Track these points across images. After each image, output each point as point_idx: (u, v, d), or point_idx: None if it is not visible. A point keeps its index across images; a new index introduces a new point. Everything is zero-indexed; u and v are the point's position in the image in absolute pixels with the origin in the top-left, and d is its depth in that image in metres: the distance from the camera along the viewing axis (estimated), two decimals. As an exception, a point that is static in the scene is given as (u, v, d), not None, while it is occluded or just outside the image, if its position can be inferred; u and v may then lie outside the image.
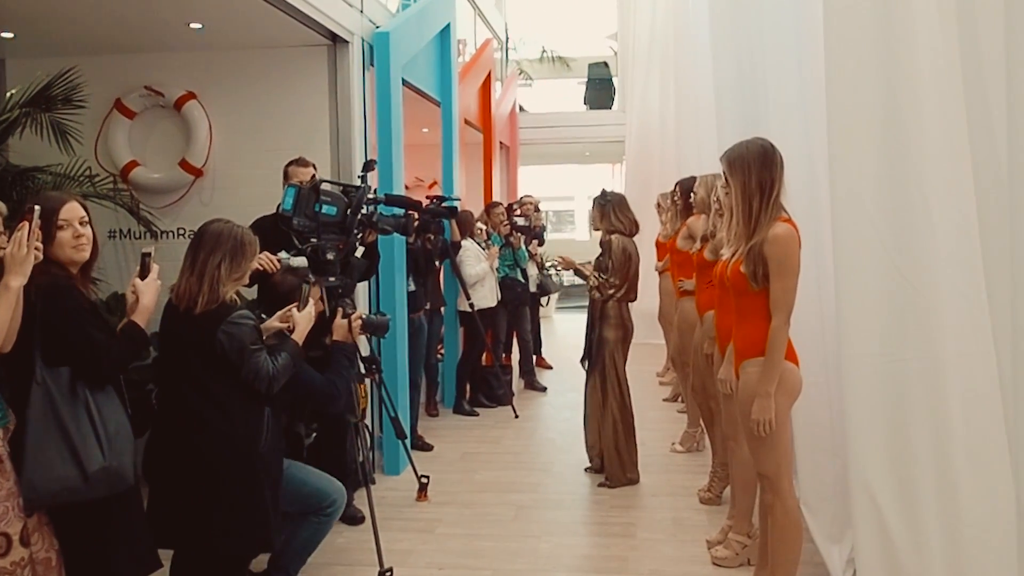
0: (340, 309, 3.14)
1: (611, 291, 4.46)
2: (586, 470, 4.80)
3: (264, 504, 2.61)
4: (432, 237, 5.65)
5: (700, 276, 4.24)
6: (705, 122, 5.87)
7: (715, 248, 3.93)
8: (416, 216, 4.72)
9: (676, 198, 5.36)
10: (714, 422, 4.29)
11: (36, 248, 2.05)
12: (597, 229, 4.63)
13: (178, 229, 4.80)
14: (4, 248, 2.06)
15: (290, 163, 3.99)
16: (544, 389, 7.13)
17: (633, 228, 4.61)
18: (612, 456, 4.53)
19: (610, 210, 4.53)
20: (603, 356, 4.49)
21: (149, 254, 2.44)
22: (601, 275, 4.49)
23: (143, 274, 2.42)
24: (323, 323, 3.17)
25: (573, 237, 19.76)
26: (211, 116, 4.80)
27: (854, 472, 2.60)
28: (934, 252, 2.47)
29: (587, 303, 4.73)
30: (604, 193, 4.63)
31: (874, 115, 2.55)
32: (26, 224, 2.03)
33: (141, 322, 2.38)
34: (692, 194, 4.38)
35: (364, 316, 3.26)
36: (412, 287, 5.45)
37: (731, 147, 2.85)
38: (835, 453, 3.21)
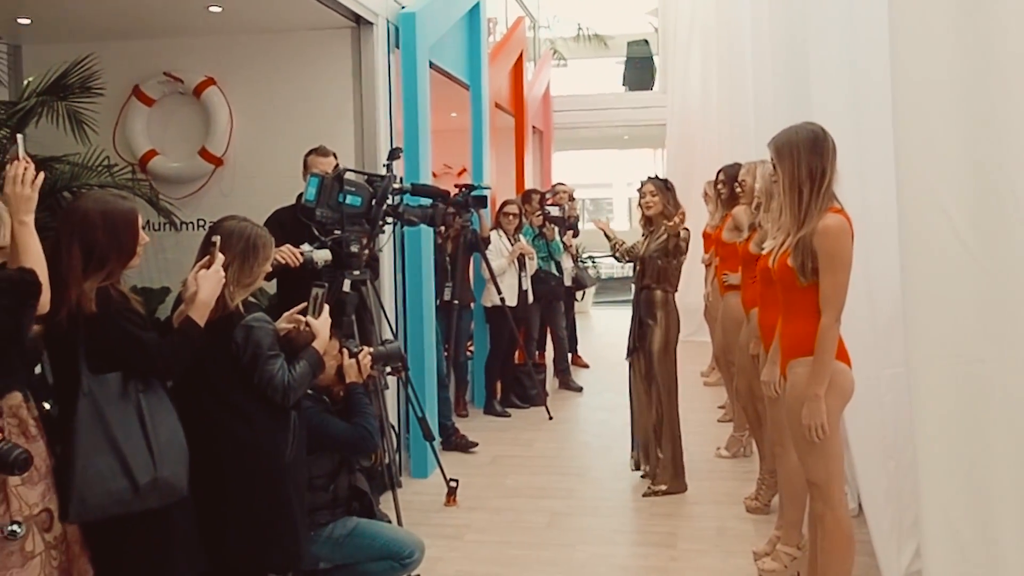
0: (345, 350, 3.16)
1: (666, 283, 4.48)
2: (644, 476, 4.74)
3: (293, 517, 2.64)
4: (444, 229, 5.67)
5: (746, 270, 4.22)
6: (751, 106, 5.83)
7: (760, 240, 3.91)
8: (449, 207, 4.76)
9: (720, 186, 5.34)
10: (761, 426, 4.27)
11: (34, 181, 2.09)
12: (659, 216, 4.52)
13: (198, 220, 4.89)
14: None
15: (310, 152, 4.04)
16: (580, 389, 7.14)
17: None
18: (673, 460, 4.53)
19: (674, 195, 4.53)
20: (655, 351, 4.49)
21: (215, 243, 2.43)
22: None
23: (208, 264, 2.39)
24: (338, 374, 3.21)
25: (611, 226, 19.68)
26: (231, 102, 4.88)
27: (924, 484, 2.53)
28: (1020, 241, 2.36)
29: (630, 297, 4.74)
30: (659, 177, 4.63)
31: (949, 93, 2.43)
32: (18, 162, 2.09)
33: (199, 318, 2.35)
34: (739, 183, 4.34)
35: (373, 350, 3.28)
36: None
37: (779, 132, 2.83)
38: (889, 455, 3.19)
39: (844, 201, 2.81)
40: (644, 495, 4.52)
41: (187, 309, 2.37)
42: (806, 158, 2.73)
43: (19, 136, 2.18)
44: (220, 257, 2.42)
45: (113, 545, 2.26)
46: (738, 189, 4.40)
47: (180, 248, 4.74)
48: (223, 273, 2.42)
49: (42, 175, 2.12)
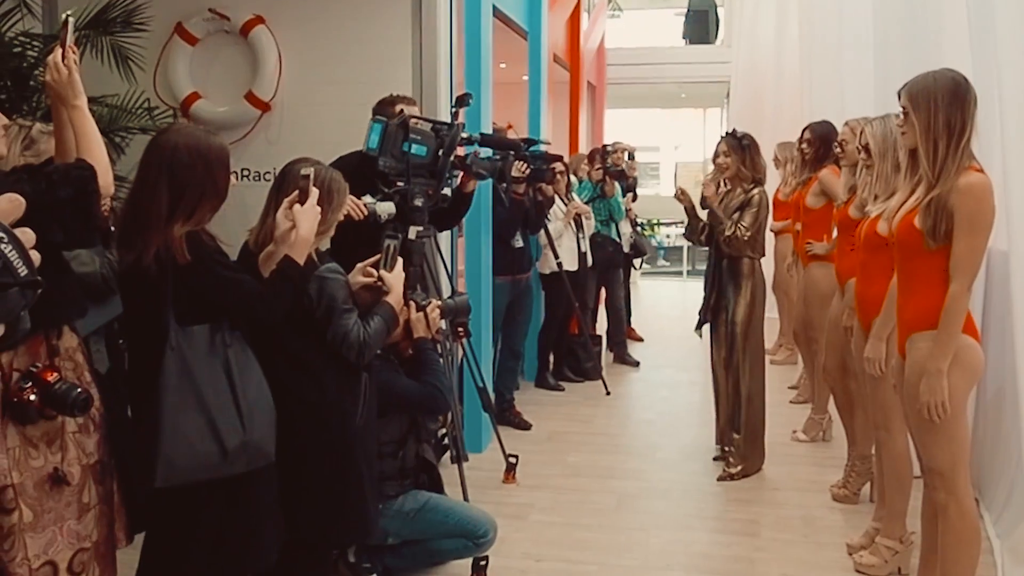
0: (412, 303, 3.08)
1: (749, 250, 4.33)
2: (715, 459, 4.67)
3: (362, 487, 2.60)
4: (544, 187, 5.57)
5: (843, 238, 4.07)
6: (849, 57, 5.61)
7: (863, 204, 3.76)
8: (525, 164, 4.65)
9: (804, 146, 5.16)
10: (853, 408, 4.15)
11: (75, 63, 2.10)
12: (734, 178, 4.40)
13: (242, 170, 4.79)
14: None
15: (397, 101, 3.86)
16: (637, 364, 7.05)
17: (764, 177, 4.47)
18: (752, 440, 4.44)
19: (752, 155, 4.37)
20: (739, 323, 4.36)
21: (308, 176, 2.37)
22: (742, 225, 4.28)
23: (302, 199, 2.33)
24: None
25: (658, 192, 19.42)
26: (281, 43, 4.76)
27: None
28: None
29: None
30: (737, 133, 4.46)
31: None
32: (57, 49, 2.08)
33: (298, 257, 2.31)
34: (839, 143, 4.17)
35: (441, 302, 3.22)
36: (520, 243, 5.43)
37: (914, 79, 2.69)
38: None
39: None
40: (719, 479, 4.42)
41: (283, 248, 2.30)
42: (945, 108, 2.59)
43: (69, 19, 2.13)
44: (315, 191, 2.35)
45: (191, 512, 2.21)
46: (837, 150, 4.22)
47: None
48: (319, 209, 2.36)
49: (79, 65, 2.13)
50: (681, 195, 4.59)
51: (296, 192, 2.35)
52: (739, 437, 4.44)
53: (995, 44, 3.36)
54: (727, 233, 4.29)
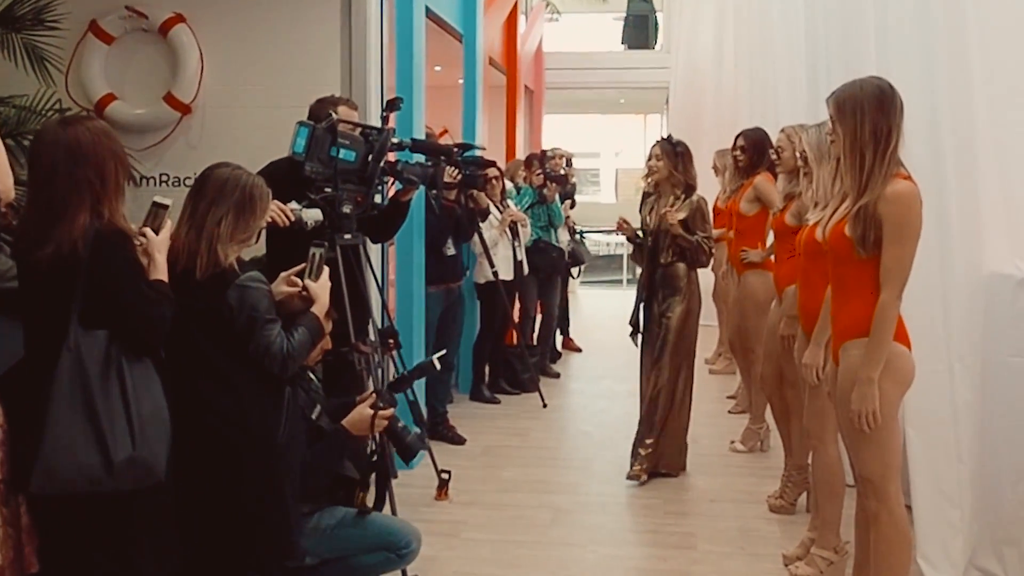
0: (373, 396, 2.98)
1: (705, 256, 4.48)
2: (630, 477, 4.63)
3: (285, 504, 2.56)
4: (475, 194, 5.57)
5: (781, 244, 4.16)
6: (783, 65, 5.75)
7: (799, 211, 3.86)
8: (456, 169, 4.64)
9: (738, 153, 5.26)
10: (789, 417, 4.24)
11: None
12: (664, 182, 4.49)
13: (161, 175, 4.71)
14: None
15: (340, 101, 3.81)
16: (557, 375, 7.05)
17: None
18: (679, 445, 4.56)
19: (685, 162, 4.46)
20: (673, 328, 4.47)
21: (166, 207, 2.36)
22: (703, 236, 4.45)
23: (155, 226, 2.33)
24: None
25: (597, 200, 19.64)
26: (202, 43, 4.68)
27: None
28: None
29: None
30: (672, 139, 4.56)
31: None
32: None
33: (163, 277, 2.31)
34: (776, 150, 4.25)
35: (397, 427, 3.02)
36: (452, 251, 5.43)
37: (841, 87, 2.77)
38: (960, 458, 3.16)
39: (916, 168, 2.76)
40: (628, 476, 4.53)
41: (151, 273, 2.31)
42: (871, 116, 2.67)
43: None
44: (168, 224, 2.37)
45: (67, 530, 2.16)
46: (774, 156, 4.31)
47: (139, 205, 4.51)
48: (169, 241, 2.37)
49: None
50: (623, 225, 4.71)
51: (148, 217, 2.35)
52: (651, 440, 4.54)
53: (887, 48, 3.50)
54: (696, 243, 4.46)
